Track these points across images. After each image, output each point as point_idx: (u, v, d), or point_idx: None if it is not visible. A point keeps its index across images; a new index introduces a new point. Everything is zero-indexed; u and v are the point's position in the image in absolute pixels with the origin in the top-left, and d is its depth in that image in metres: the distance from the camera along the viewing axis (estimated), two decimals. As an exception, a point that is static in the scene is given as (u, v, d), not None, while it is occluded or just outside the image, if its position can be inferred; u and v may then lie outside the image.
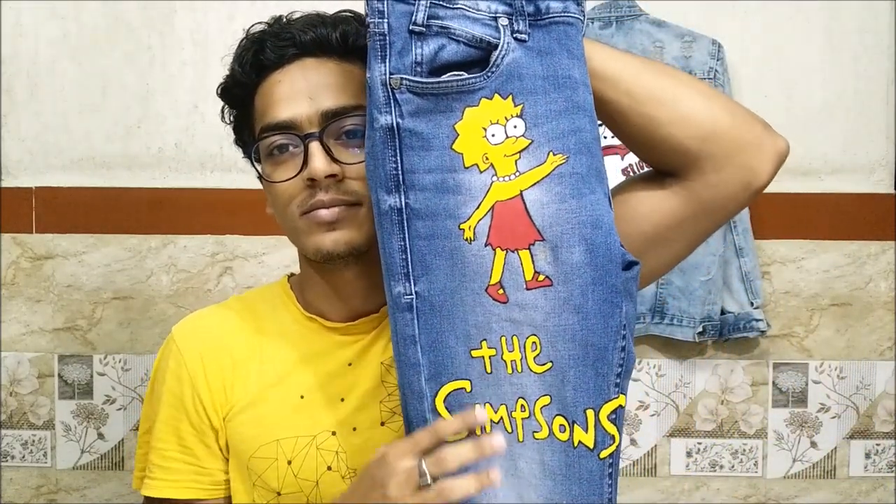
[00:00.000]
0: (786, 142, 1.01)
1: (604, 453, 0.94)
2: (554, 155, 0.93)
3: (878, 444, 1.99)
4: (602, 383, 0.94)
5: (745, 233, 1.92)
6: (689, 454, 2.00)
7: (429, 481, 0.89)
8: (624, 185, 1.06)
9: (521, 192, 0.93)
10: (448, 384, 0.94)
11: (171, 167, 1.98)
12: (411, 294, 0.95)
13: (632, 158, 1.84)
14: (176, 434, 1.12)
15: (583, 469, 0.94)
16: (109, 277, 1.97)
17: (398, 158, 0.93)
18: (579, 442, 0.94)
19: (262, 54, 1.06)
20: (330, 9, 1.11)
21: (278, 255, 1.96)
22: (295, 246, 1.10)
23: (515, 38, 0.93)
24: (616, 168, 1.85)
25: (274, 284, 1.19)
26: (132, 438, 1.98)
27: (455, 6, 0.93)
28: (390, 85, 0.92)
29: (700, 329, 1.91)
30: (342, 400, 1.08)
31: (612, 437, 0.94)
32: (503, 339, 0.94)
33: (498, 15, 0.93)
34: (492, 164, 0.93)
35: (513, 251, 0.93)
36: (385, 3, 0.92)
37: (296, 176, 1.03)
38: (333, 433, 1.07)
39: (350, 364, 1.09)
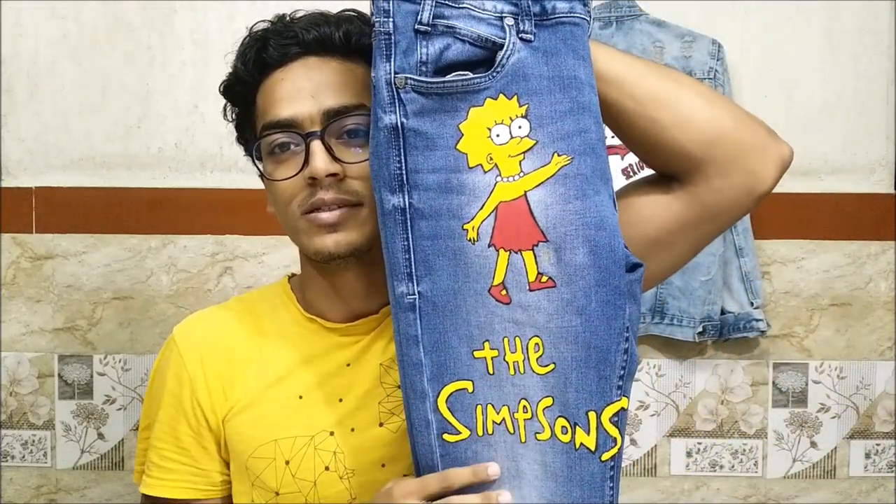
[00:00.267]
0: (790, 148, 1.01)
1: (605, 456, 0.94)
2: (559, 156, 0.93)
3: (878, 444, 1.99)
4: (604, 385, 0.93)
5: (745, 233, 1.92)
6: (689, 454, 2.00)
7: None
8: (627, 189, 1.06)
9: (526, 192, 0.93)
10: (450, 384, 0.94)
11: (171, 167, 1.98)
12: (414, 294, 0.94)
13: (632, 158, 1.84)
14: (174, 434, 1.12)
15: (584, 471, 0.94)
16: (109, 277, 1.97)
17: (402, 158, 0.93)
18: (581, 444, 0.93)
19: (264, 52, 1.06)
20: (332, 8, 1.11)
21: (278, 255, 1.96)
22: (295, 245, 1.10)
23: (521, 38, 0.93)
24: (616, 168, 1.85)
25: (274, 285, 1.19)
26: (132, 438, 1.98)
27: (461, 6, 0.92)
28: (395, 84, 0.92)
29: (700, 329, 1.91)
30: (340, 400, 1.08)
31: (614, 440, 0.94)
32: (506, 340, 0.94)
33: (504, 15, 0.93)
34: (496, 165, 0.93)
35: (516, 252, 0.93)
36: (391, 2, 0.92)
37: (297, 174, 1.03)
38: (332, 433, 1.07)
39: (349, 364, 1.09)
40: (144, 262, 1.97)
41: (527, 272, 0.93)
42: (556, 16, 0.93)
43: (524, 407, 0.94)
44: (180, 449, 1.12)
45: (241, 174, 1.93)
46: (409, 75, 0.92)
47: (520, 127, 0.93)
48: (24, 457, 2.01)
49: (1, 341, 1.98)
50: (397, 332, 0.96)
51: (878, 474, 1.99)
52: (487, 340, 0.94)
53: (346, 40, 1.05)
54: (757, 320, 1.91)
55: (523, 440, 0.94)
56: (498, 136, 0.93)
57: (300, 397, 1.08)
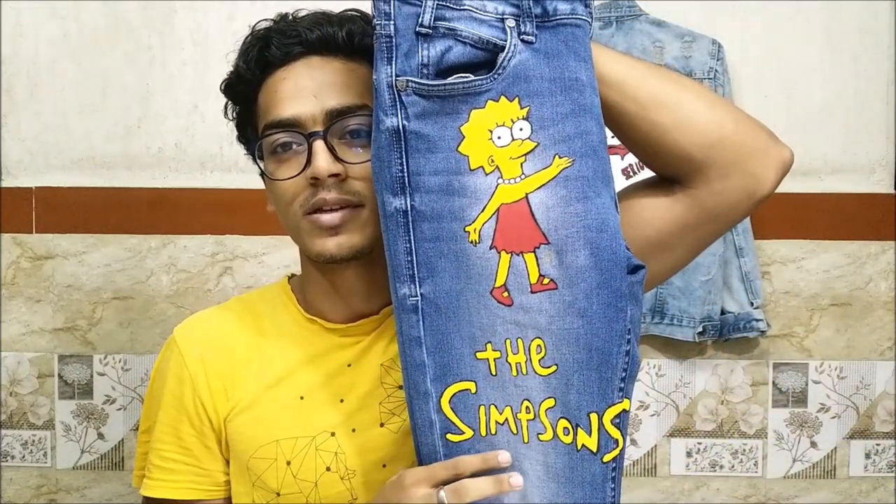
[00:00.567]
0: (790, 151, 1.01)
1: (607, 457, 0.94)
2: (560, 158, 0.93)
3: (878, 444, 1.99)
4: (606, 387, 0.94)
5: (745, 233, 1.92)
6: (689, 454, 2.00)
7: None
8: (628, 191, 1.06)
9: (527, 194, 0.93)
10: (453, 385, 0.95)
11: (171, 167, 1.98)
12: (417, 296, 0.95)
13: (632, 159, 1.84)
14: (176, 435, 1.12)
15: (586, 472, 0.94)
16: (109, 277, 1.97)
17: (404, 161, 0.93)
18: (583, 445, 0.94)
19: (267, 51, 1.05)
20: (334, 7, 1.11)
21: (278, 255, 1.96)
22: (297, 244, 1.10)
23: (522, 40, 0.93)
24: (616, 168, 1.85)
25: (274, 285, 1.19)
26: (132, 438, 1.98)
27: (462, 7, 0.92)
28: (396, 87, 0.92)
29: (700, 329, 1.91)
30: (341, 401, 1.08)
31: (616, 442, 0.94)
32: (508, 341, 0.94)
33: (505, 16, 0.93)
34: (497, 167, 0.93)
35: (518, 254, 0.93)
36: (391, 4, 0.92)
37: (299, 174, 1.03)
38: (333, 434, 1.07)
39: (349, 365, 1.09)
40: (144, 262, 1.97)
41: (528, 274, 0.93)
42: (558, 17, 0.93)
43: (527, 408, 0.94)
44: (183, 449, 1.12)
45: (241, 174, 1.93)
46: (410, 78, 0.92)
47: (521, 129, 0.93)
48: (24, 457, 2.00)
49: (1, 341, 1.98)
50: (400, 333, 0.96)
51: (878, 474, 2.00)
52: (489, 342, 0.94)
53: (348, 40, 1.05)
54: (757, 320, 1.91)
55: (526, 441, 0.94)
56: (499, 138, 0.93)
57: (301, 398, 1.08)
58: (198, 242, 1.97)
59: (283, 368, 1.10)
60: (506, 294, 0.93)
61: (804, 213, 1.96)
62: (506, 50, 0.92)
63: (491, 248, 0.93)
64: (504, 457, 0.92)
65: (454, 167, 0.93)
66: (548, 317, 0.93)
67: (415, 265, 0.94)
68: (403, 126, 0.93)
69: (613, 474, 0.95)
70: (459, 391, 0.94)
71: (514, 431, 0.94)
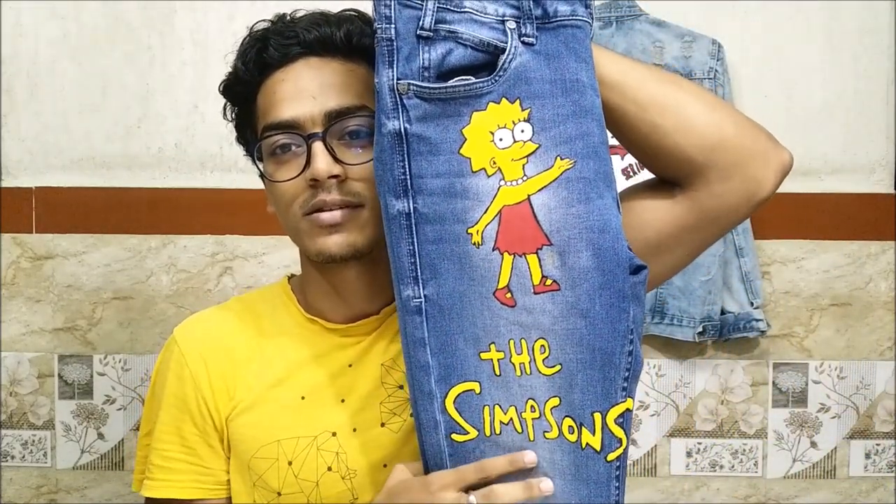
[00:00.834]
0: (790, 154, 1.01)
1: (611, 456, 0.94)
2: (561, 159, 0.93)
3: (878, 444, 1.99)
4: (609, 387, 0.94)
5: (745, 233, 1.92)
6: (689, 454, 2.00)
7: None
8: (628, 193, 1.06)
9: (529, 196, 0.93)
10: (458, 385, 0.95)
11: (171, 167, 1.98)
12: (420, 297, 0.95)
13: (632, 159, 1.83)
14: (178, 434, 1.12)
15: (591, 471, 0.94)
16: (109, 277, 1.97)
17: (406, 163, 0.93)
18: (587, 444, 0.94)
19: (265, 52, 1.05)
20: (332, 7, 1.11)
21: (278, 255, 1.96)
22: (297, 245, 1.10)
23: (523, 42, 0.93)
24: (616, 168, 1.85)
25: (274, 285, 1.19)
26: (132, 438, 1.98)
27: (462, 10, 0.92)
28: (398, 90, 0.92)
29: (700, 329, 1.91)
30: (342, 401, 1.08)
31: (619, 441, 0.94)
32: (511, 342, 0.94)
33: (505, 18, 0.93)
34: (499, 169, 0.93)
35: (520, 255, 0.93)
36: (392, 8, 0.92)
37: (298, 176, 1.03)
38: (334, 434, 1.07)
39: (350, 365, 1.09)
40: (144, 262, 1.97)
41: (531, 275, 0.93)
42: (558, 19, 0.93)
43: (532, 406, 0.94)
44: (186, 448, 1.12)
45: (241, 174, 1.93)
46: (411, 81, 0.92)
47: (522, 131, 0.93)
48: (24, 457, 2.01)
49: (1, 341, 1.98)
50: (404, 334, 0.96)
51: (878, 474, 2.00)
52: (493, 342, 0.94)
53: (347, 40, 1.05)
54: (757, 320, 1.91)
55: (532, 439, 0.94)
56: (501, 139, 0.93)
57: (302, 398, 1.08)
58: (198, 242, 1.97)
59: (285, 369, 1.10)
60: (509, 295, 0.94)
61: (804, 213, 1.96)
62: (506, 52, 0.92)
63: (493, 250, 0.93)
64: (531, 457, 0.93)
65: (456, 169, 0.93)
66: (551, 317, 0.93)
67: (418, 267, 0.95)
68: (405, 129, 0.93)
69: (617, 473, 0.95)
70: (464, 391, 0.95)
71: (520, 430, 0.94)
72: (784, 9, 1.96)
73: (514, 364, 0.94)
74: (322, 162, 1.01)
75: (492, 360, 0.94)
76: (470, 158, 0.93)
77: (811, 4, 1.96)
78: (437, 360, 0.95)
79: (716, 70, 1.90)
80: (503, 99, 0.92)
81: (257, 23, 1.10)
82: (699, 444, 2.00)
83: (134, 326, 1.98)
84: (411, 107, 0.92)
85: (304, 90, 1.03)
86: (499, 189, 0.93)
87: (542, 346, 0.94)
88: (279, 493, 1.08)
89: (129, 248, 1.97)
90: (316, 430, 1.07)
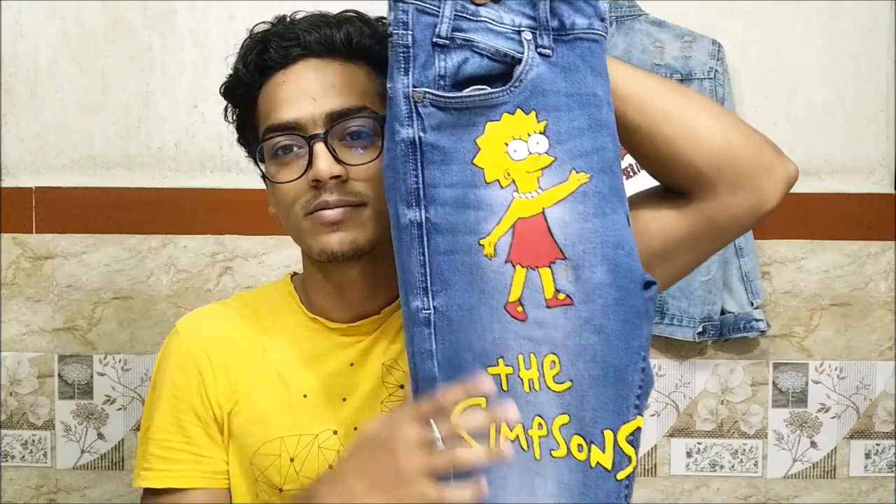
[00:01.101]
0: (795, 166, 1.02)
1: (621, 475, 0.93)
2: (577, 173, 0.92)
3: (878, 444, 2.00)
4: (621, 404, 0.93)
5: (746, 233, 1.92)
6: (689, 454, 2.01)
7: (441, 446, 0.89)
8: (634, 202, 1.05)
9: (544, 209, 0.92)
10: (464, 400, 0.93)
11: (171, 167, 1.98)
12: (429, 309, 0.93)
13: (631, 159, 1.84)
14: (178, 424, 1.12)
15: (600, 490, 0.93)
16: (109, 277, 1.97)
17: (419, 172, 0.92)
18: (597, 462, 0.93)
19: (266, 54, 1.06)
20: (332, 9, 1.11)
21: (278, 255, 1.96)
22: (299, 246, 1.10)
23: (539, 53, 0.92)
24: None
25: (277, 283, 1.20)
26: (132, 438, 1.98)
27: (479, 19, 0.91)
28: (413, 98, 0.91)
29: (700, 329, 1.91)
30: (344, 400, 1.09)
31: (629, 459, 0.93)
32: (521, 357, 0.92)
33: (522, 29, 0.92)
34: (513, 181, 0.92)
35: (533, 269, 0.92)
36: (410, 14, 0.90)
37: (300, 177, 1.03)
38: (335, 432, 1.08)
39: (352, 364, 1.10)
40: (144, 262, 1.97)
41: (543, 289, 0.92)
42: (575, 31, 0.92)
43: (539, 424, 0.93)
44: (185, 437, 1.12)
45: (241, 174, 1.93)
46: (427, 89, 0.91)
47: (538, 143, 0.92)
48: (24, 457, 2.00)
49: (1, 341, 1.98)
50: (411, 346, 0.95)
51: (878, 474, 2.00)
52: (502, 357, 0.93)
53: (347, 42, 1.05)
54: (757, 320, 1.91)
55: (538, 457, 0.93)
56: (515, 151, 0.92)
57: (304, 396, 1.09)
58: (198, 242, 1.97)
59: (287, 367, 1.11)
60: (520, 309, 0.92)
61: (804, 213, 1.96)
62: (523, 62, 0.91)
63: (506, 262, 0.92)
64: (485, 382, 0.91)
65: (470, 180, 0.92)
66: (563, 332, 0.92)
67: (428, 278, 0.93)
68: (420, 137, 0.91)
69: (626, 491, 0.94)
70: (470, 406, 0.93)
71: (525, 448, 0.92)
72: (784, 9, 1.96)
73: (521, 379, 0.93)
74: (324, 163, 1.01)
75: (499, 374, 0.93)
76: (483, 169, 0.92)
77: (811, 4, 1.96)
78: (444, 374, 0.93)
79: (716, 70, 1.90)
80: (518, 110, 0.91)
81: (257, 25, 1.10)
82: (699, 444, 2.00)
83: (134, 326, 1.98)
84: (426, 115, 0.91)
85: (305, 91, 1.03)
86: (512, 201, 0.92)
87: (553, 361, 0.92)
88: (281, 489, 1.08)
89: (129, 249, 1.97)
90: (318, 428, 1.08)
